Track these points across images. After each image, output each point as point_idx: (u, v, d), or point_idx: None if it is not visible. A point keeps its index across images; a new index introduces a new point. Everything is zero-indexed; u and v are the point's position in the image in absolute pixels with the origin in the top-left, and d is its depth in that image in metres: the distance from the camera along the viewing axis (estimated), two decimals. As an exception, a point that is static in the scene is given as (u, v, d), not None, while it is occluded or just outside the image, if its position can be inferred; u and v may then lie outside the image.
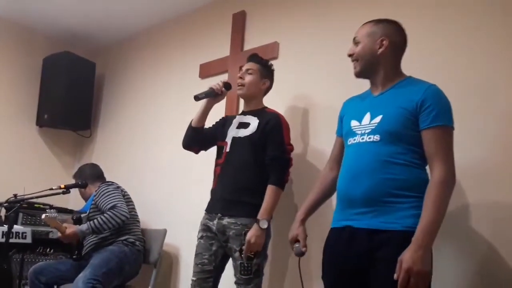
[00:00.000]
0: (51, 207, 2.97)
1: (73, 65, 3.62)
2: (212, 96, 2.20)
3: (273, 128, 2.07)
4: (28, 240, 2.88)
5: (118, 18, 3.49)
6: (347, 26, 2.30)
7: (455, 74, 1.89)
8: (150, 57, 3.56)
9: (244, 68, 2.23)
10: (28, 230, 2.89)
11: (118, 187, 2.74)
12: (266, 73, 2.23)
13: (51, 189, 2.43)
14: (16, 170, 3.54)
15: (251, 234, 1.94)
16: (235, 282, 2.01)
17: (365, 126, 1.51)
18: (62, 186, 2.46)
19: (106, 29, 3.69)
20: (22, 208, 2.65)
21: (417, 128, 1.43)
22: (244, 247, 1.95)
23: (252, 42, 2.79)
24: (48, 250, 3.07)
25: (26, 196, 2.43)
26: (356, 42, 1.58)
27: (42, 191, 2.42)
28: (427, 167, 1.46)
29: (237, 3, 2.94)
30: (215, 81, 2.24)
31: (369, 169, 1.44)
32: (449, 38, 1.97)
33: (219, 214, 2.06)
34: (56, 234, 2.94)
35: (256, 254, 1.95)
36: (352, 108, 1.64)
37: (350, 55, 1.60)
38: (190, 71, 3.11)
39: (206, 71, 3.03)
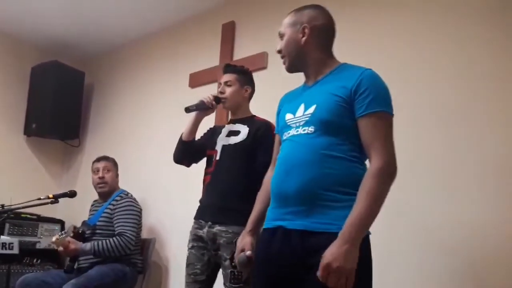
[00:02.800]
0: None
1: (62, 74, 3.61)
2: (203, 109, 2.21)
3: (264, 135, 2.07)
4: (15, 250, 2.81)
5: (108, 28, 3.50)
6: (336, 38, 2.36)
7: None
8: (140, 67, 3.57)
9: (222, 81, 2.22)
10: (15, 240, 2.83)
11: (141, 209, 2.69)
12: (245, 80, 2.24)
13: (39, 199, 2.40)
14: (3, 179, 3.50)
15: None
16: None
17: (299, 118, 1.37)
18: (50, 196, 2.43)
19: (96, 38, 3.70)
20: (9, 218, 2.61)
21: (353, 117, 1.29)
22: (235, 255, 1.94)
23: (241, 52, 2.82)
24: (35, 260, 3.04)
25: (13, 206, 2.40)
26: (281, 36, 1.47)
27: (30, 201, 2.39)
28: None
29: (226, 14, 2.97)
30: (206, 93, 2.26)
31: (303, 163, 1.30)
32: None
33: (209, 222, 2.05)
34: (42, 244, 2.92)
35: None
36: (287, 102, 1.52)
37: (278, 51, 1.48)
38: (180, 81, 3.13)
39: (196, 80, 3.05)
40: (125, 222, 2.53)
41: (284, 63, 1.48)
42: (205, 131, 2.37)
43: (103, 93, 3.88)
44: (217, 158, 2.13)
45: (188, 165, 2.34)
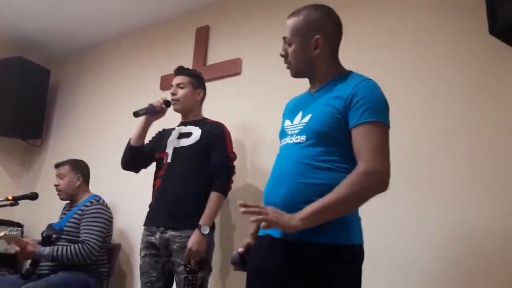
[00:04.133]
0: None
1: (26, 71, 3.47)
2: (152, 112, 2.18)
3: (216, 137, 2.09)
4: (-31, 255, 2.69)
5: (78, 27, 3.40)
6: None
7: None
8: (110, 68, 3.49)
9: (174, 83, 2.21)
10: (-31, 244, 2.71)
11: (111, 216, 2.57)
12: (198, 83, 2.24)
13: (-2, 200, 2.29)
14: (-42, 179, 3.33)
15: (193, 241, 1.90)
16: None
17: (295, 126, 1.37)
18: (10, 197, 2.32)
19: (65, 38, 3.58)
20: (-37, 220, 2.48)
21: (345, 128, 1.26)
22: (185, 257, 1.89)
23: (215, 57, 2.81)
24: (-10, 266, 2.88)
25: (-32, 208, 2.28)
26: (288, 43, 1.39)
27: (-13, 202, 2.28)
28: None
29: (201, 18, 2.96)
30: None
31: (289, 173, 1.29)
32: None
33: (161, 228, 2.00)
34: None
35: (201, 267, 1.91)
36: (291, 108, 1.50)
37: (282, 56, 1.42)
38: (151, 83, 3.08)
39: (167, 83, 2.99)
40: (91, 230, 2.41)
41: (288, 68, 1.43)
42: (153, 135, 2.33)
43: (69, 93, 3.75)
44: (168, 161, 2.10)
45: (136, 171, 2.30)
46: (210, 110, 2.64)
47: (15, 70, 3.43)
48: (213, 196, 1.99)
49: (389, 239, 1.88)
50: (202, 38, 2.90)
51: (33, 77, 3.52)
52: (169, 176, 2.07)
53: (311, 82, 1.45)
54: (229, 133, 2.15)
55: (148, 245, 2.04)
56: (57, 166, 2.71)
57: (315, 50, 1.35)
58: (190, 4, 2.98)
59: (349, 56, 1.50)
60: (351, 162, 1.24)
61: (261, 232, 1.38)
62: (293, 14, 1.40)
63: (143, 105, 2.22)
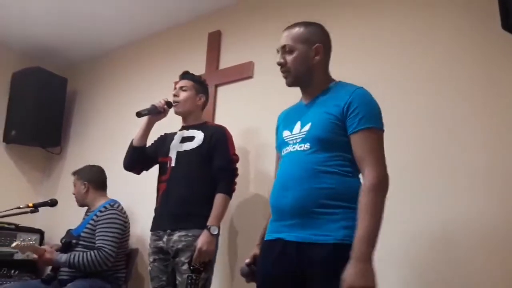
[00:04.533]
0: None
1: (44, 81, 3.55)
2: (154, 113, 2.21)
3: (219, 140, 2.11)
4: (-8, 261, 2.76)
5: (93, 34, 3.46)
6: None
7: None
8: (124, 74, 3.54)
9: (177, 86, 2.24)
10: (-8, 251, 2.77)
11: (127, 220, 2.59)
12: (201, 88, 2.26)
13: (19, 207, 2.34)
14: (-20, 188, 3.41)
15: (202, 241, 1.90)
16: None
17: (296, 135, 1.45)
18: (30, 204, 2.37)
19: (80, 45, 3.65)
20: (-14, 228, 2.54)
21: (346, 133, 1.36)
22: (194, 257, 1.89)
23: (227, 61, 2.82)
24: (12, 272, 2.95)
25: (-9, 216, 2.33)
26: (289, 51, 1.46)
27: (9, 209, 2.33)
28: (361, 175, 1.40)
29: (212, 23, 2.98)
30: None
31: (298, 179, 1.37)
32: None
33: (168, 230, 2.02)
34: (20, 255, 2.83)
35: (205, 267, 1.90)
36: (285, 119, 1.58)
37: (280, 64, 1.49)
38: (165, 89, 3.10)
39: (180, 89, 3.03)
40: (106, 236, 2.42)
41: (285, 77, 1.49)
42: (155, 138, 2.35)
43: (86, 100, 3.82)
44: (172, 165, 2.12)
45: (138, 173, 2.32)
46: (223, 114, 2.66)
47: (33, 80, 3.51)
48: (218, 197, 2.01)
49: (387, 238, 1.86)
50: (214, 42, 2.92)
51: (51, 86, 3.60)
52: (173, 179, 2.09)
53: (304, 92, 1.53)
54: (231, 136, 2.17)
55: (156, 250, 2.06)
56: (72, 174, 2.80)
57: (315, 57, 1.45)
58: (202, 10, 3.01)
59: (352, 53, 1.51)
60: (353, 165, 1.37)
61: (270, 236, 1.43)
62: (291, 26, 1.50)
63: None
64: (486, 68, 1.83)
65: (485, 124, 1.79)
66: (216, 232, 1.94)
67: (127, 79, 3.51)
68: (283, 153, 1.49)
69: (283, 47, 1.48)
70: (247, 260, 1.51)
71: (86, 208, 2.76)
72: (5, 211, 2.31)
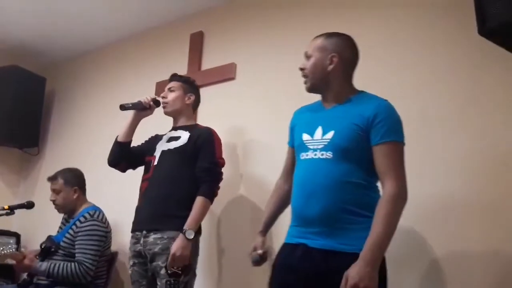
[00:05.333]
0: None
1: (22, 80, 3.47)
2: (139, 108, 2.19)
3: (205, 141, 2.07)
4: (-35, 266, 2.67)
5: (72, 34, 3.40)
6: (303, 49, 2.39)
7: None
8: (105, 75, 3.49)
9: (166, 88, 2.24)
10: (-35, 255, 2.69)
11: (108, 230, 2.52)
12: (190, 88, 2.25)
13: (-6, 210, 2.29)
14: (-46, 189, 3.32)
15: (176, 245, 1.86)
16: None
17: (317, 141, 1.48)
18: (6, 207, 2.33)
19: (59, 44, 3.58)
20: (-41, 231, 2.46)
21: (368, 144, 1.42)
22: (168, 262, 1.86)
23: (209, 62, 2.81)
24: (-14, 277, 2.87)
25: (-36, 218, 2.27)
26: (308, 57, 1.56)
27: (-17, 212, 2.28)
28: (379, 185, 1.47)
29: (195, 24, 2.97)
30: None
31: (324, 188, 1.42)
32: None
33: (144, 232, 1.99)
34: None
35: (183, 271, 1.86)
36: (304, 120, 1.61)
37: (301, 69, 1.57)
38: (146, 89, 3.07)
39: (162, 89, 2.99)
40: (86, 250, 2.35)
41: (305, 82, 1.57)
42: (147, 139, 2.33)
43: (65, 100, 3.75)
44: (155, 163, 2.10)
45: (123, 170, 2.29)
46: (205, 115, 2.65)
47: (10, 79, 3.43)
48: (198, 200, 1.96)
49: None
50: (197, 43, 2.91)
51: (28, 86, 3.52)
52: (155, 178, 2.06)
53: (324, 98, 1.59)
54: (219, 139, 2.13)
55: (135, 254, 2.03)
56: (50, 180, 2.61)
57: (329, 65, 1.51)
58: (184, 10, 2.99)
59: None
60: (373, 175, 1.44)
61: (291, 240, 1.49)
62: (317, 36, 1.58)
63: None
64: (468, 70, 1.87)
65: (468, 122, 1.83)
66: (191, 237, 1.88)
67: (107, 79, 3.46)
68: (302, 157, 1.52)
69: (305, 53, 1.57)
70: (260, 251, 1.59)
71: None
72: (-20, 213, 2.26)
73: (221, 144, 2.13)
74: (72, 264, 2.31)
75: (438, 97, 1.92)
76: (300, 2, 2.50)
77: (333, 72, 1.51)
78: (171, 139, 2.14)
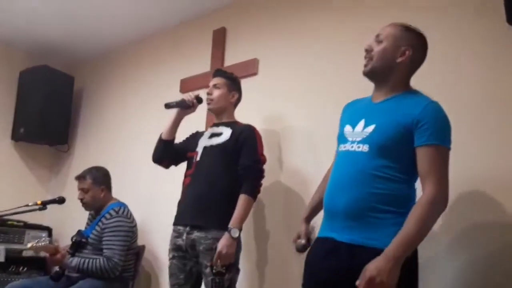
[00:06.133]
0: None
1: (51, 79, 3.58)
2: (183, 106, 2.21)
3: (247, 138, 2.08)
4: (1, 258, 2.79)
5: (99, 32, 3.48)
6: (326, 44, 2.38)
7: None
8: (130, 72, 3.55)
9: (211, 84, 2.24)
10: (1, 248, 2.81)
11: (133, 224, 2.58)
12: (234, 86, 2.25)
13: (27, 205, 2.35)
14: (-11, 185, 3.45)
15: (222, 244, 1.88)
16: None
17: (357, 134, 1.46)
18: (39, 202, 2.38)
19: (86, 43, 3.67)
20: (-5, 225, 2.57)
21: (409, 143, 1.38)
22: (214, 260, 1.88)
23: (232, 58, 2.82)
24: (21, 268, 2.99)
25: (-1, 213, 2.36)
26: (379, 40, 1.48)
27: (17, 207, 2.35)
28: (415, 184, 1.44)
29: (217, 20, 2.98)
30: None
31: (354, 181, 1.40)
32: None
33: (187, 228, 2.01)
34: (29, 252, 2.86)
35: (228, 269, 1.89)
36: (350, 112, 1.59)
37: (366, 50, 1.50)
38: (171, 86, 3.12)
39: (187, 86, 3.04)
40: (113, 245, 2.43)
41: (366, 64, 1.50)
42: (188, 135, 2.36)
43: (93, 98, 3.85)
44: (197, 159, 2.12)
45: (166, 166, 2.32)
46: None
47: (40, 79, 3.55)
48: (242, 198, 1.97)
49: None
50: (219, 40, 2.92)
51: (58, 85, 3.63)
52: (198, 174, 2.08)
53: (377, 89, 1.52)
54: (260, 136, 2.14)
55: (175, 247, 2.06)
56: (78, 178, 2.69)
57: (399, 57, 1.45)
58: (207, 7, 3.01)
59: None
60: (408, 173, 1.40)
61: (322, 234, 1.49)
62: (394, 23, 1.51)
63: (165, 109, 2.25)
64: (490, 64, 1.81)
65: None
66: (236, 235, 1.90)
67: (133, 77, 3.52)
68: (340, 149, 1.52)
69: (377, 35, 1.50)
70: (303, 241, 1.62)
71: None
72: (14, 208, 2.33)
73: (262, 141, 2.13)
74: (101, 259, 2.39)
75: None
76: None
77: (400, 65, 1.46)
78: (213, 135, 2.15)
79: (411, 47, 1.46)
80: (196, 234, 1.98)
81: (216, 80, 2.23)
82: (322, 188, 1.65)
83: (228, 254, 1.88)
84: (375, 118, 1.44)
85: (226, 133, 2.11)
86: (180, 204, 2.14)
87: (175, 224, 2.11)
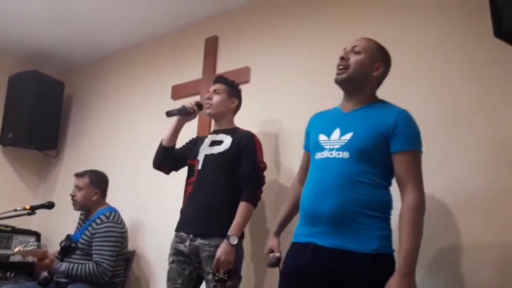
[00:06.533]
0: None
1: (41, 84, 3.57)
2: (184, 114, 2.23)
3: (247, 146, 2.10)
4: (-12, 264, 2.75)
5: (90, 39, 3.49)
6: (317, 53, 2.42)
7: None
8: (121, 78, 3.56)
9: (211, 89, 2.27)
10: (-12, 253, 2.77)
11: (124, 230, 2.58)
12: (234, 92, 2.28)
13: (15, 210, 2.35)
14: (-24, 190, 3.42)
15: (221, 251, 1.90)
16: None
17: (334, 142, 1.50)
18: (27, 207, 2.38)
19: (77, 49, 3.68)
20: (-18, 230, 2.54)
21: (385, 149, 1.45)
22: (213, 267, 1.91)
23: (224, 66, 2.86)
24: (8, 274, 2.95)
25: (-13, 218, 2.34)
26: (356, 51, 1.55)
27: (6, 212, 2.34)
28: (390, 188, 1.50)
29: (209, 28, 3.01)
30: (188, 101, 2.28)
31: (337, 187, 1.43)
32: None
33: (190, 235, 2.03)
34: (17, 257, 2.83)
35: (229, 276, 1.91)
36: (320, 123, 1.64)
37: (343, 57, 1.56)
38: (163, 93, 3.14)
39: (178, 92, 3.06)
40: (103, 251, 2.41)
41: (341, 72, 1.56)
42: (187, 141, 2.37)
43: (83, 104, 3.84)
44: (199, 167, 2.14)
45: (167, 172, 2.33)
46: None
47: (30, 84, 3.53)
48: (241, 206, 1.99)
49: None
50: (211, 48, 2.96)
51: (47, 90, 3.62)
52: (200, 182, 2.10)
53: (348, 99, 1.59)
54: (260, 143, 2.15)
55: (176, 252, 2.06)
56: (77, 176, 2.69)
57: (374, 71, 1.55)
58: (199, 15, 3.05)
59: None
60: (386, 179, 1.48)
61: (299, 239, 1.50)
62: (367, 38, 1.60)
63: (155, 115, 2.27)
64: (478, 76, 1.87)
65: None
66: (235, 242, 1.91)
67: (124, 84, 3.53)
68: (317, 157, 1.54)
69: (353, 47, 1.57)
70: (278, 254, 1.65)
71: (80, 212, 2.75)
72: (2, 213, 2.32)
73: (262, 149, 2.15)
74: (90, 264, 2.37)
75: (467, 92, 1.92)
76: (313, 6, 2.52)
77: (373, 78, 1.56)
78: (214, 143, 2.17)
79: (383, 63, 1.57)
80: (199, 241, 1.99)
81: (217, 86, 2.27)
82: (290, 204, 1.74)
83: (227, 260, 1.90)
84: (351, 127, 1.50)
85: (227, 141, 2.14)
86: (183, 212, 2.15)
87: (177, 230, 2.12)
